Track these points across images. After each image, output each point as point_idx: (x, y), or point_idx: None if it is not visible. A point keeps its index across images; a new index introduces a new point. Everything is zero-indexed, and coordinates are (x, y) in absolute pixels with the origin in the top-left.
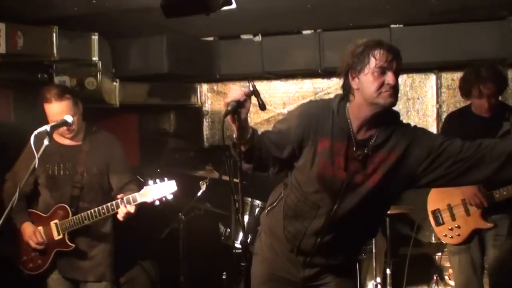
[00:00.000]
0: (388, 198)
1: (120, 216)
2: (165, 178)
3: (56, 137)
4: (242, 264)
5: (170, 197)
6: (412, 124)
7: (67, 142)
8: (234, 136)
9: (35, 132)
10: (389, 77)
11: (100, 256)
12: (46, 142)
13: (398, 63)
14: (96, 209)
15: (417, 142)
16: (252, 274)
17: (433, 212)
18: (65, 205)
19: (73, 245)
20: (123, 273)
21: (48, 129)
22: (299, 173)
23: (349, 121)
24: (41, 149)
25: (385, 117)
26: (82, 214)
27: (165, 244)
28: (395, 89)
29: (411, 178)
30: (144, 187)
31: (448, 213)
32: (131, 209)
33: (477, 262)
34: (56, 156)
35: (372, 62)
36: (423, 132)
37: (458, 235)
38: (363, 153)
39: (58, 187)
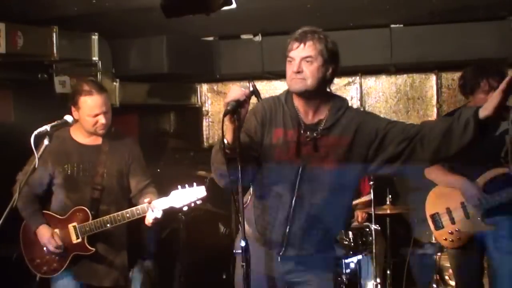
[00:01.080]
0: (348, 183)
1: (149, 221)
2: (194, 183)
3: (75, 135)
4: (242, 264)
5: (199, 202)
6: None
7: (86, 141)
8: (226, 140)
9: (35, 132)
10: (292, 65)
11: (117, 261)
12: (46, 142)
13: (310, 50)
14: (119, 213)
15: (365, 125)
16: (236, 274)
17: (432, 216)
18: (85, 208)
19: (93, 249)
20: None
21: (48, 129)
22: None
23: (296, 108)
24: (41, 149)
25: (335, 103)
26: (105, 218)
27: (165, 244)
28: (301, 75)
29: (365, 161)
30: (172, 192)
31: (447, 217)
32: (159, 214)
33: (477, 263)
34: (75, 156)
35: (288, 52)
36: (371, 115)
37: (459, 238)
38: (312, 136)
39: (77, 188)
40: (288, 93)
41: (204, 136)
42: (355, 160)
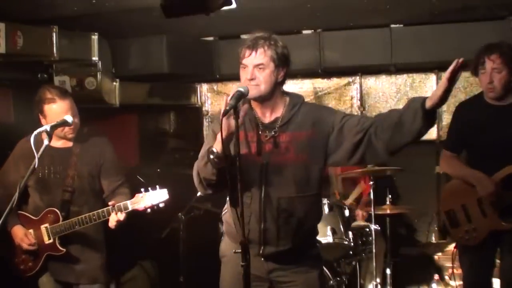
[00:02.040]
0: (311, 175)
1: (111, 224)
2: (157, 186)
3: (45, 138)
4: (242, 264)
5: (161, 205)
6: None
7: (58, 144)
8: (214, 149)
9: (35, 132)
10: (246, 72)
11: (92, 259)
12: (46, 142)
13: (262, 57)
14: (87, 215)
15: (322, 118)
16: (221, 277)
17: (447, 212)
18: (56, 210)
19: (64, 250)
20: (123, 273)
21: (48, 129)
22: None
23: (254, 110)
24: (41, 149)
25: (290, 100)
26: (73, 219)
27: (165, 244)
28: (254, 81)
29: (324, 153)
30: (136, 194)
31: (463, 214)
32: (121, 217)
33: (490, 262)
34: (46, 159)
35: (241, 59)
36: (327, 109)
37: (475, 237)
38: (270, 134)
39: (49, 190)
40: (246, 97)
41: (204, 136)
42: (315, 153)
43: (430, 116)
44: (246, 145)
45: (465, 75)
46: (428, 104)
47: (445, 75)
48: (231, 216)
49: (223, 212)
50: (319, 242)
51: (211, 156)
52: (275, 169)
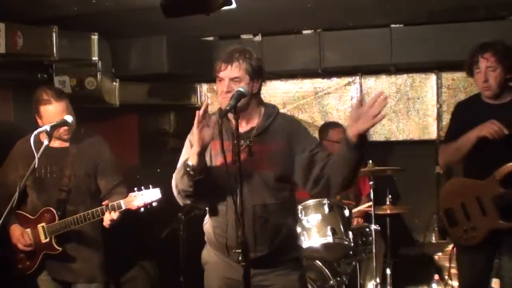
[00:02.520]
0: (283, 183)
1: (105, 223)
2: (150, 186)
3: (44, 139)
4: (242, 264)
5: (154, 204)
6: (412, 124)
7: (55, 144)
8: (189, 162)
9: (35, 132)
10: (222, 85)
11: (90, 258)
12: (45, 142)
13: (237, 71)
14: (81, 214)
15: (297, 136)
16: (206, 283)
17: (446, 211)
18: (52, 209)
19: (60, 249)
20: (123, 273)
21: (48, 129)
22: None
23: (230, 121)
24: (41, 149)
25: (266, 110)
26: (68, 219)
27: (165, 244)
28: (231, 94)
29: (292, 167)
30: (129, 194)
31: (462, 212)
32: (115, 215)
33: (488, 263)
34: (43, 159)
35: (217, 72)
36: (303, 129)
37: (473, 236)
38: (246, 143)
39: (45, 189)
40: (221, 109)
41: None
42: (286, 164)
43: (359, 143)
44: (221, 154)
45: (464, 75)
46: (350, 138)
47: (354, 106)
48: (211, 225)
49: (204, 222)
50: (300, 246)
51: (187, 169)
52: (249, 178)
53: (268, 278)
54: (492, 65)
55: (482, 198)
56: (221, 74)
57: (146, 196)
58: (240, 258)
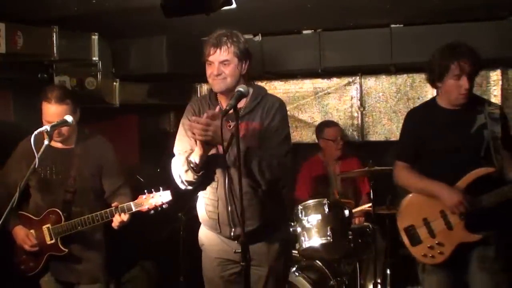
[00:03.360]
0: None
1: (115, 225)
2: (161, 188)
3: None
4: (242, 264)
5: (165, 206)
6: None
7: (59, 145)
8: (193, 159)
9: (35, 132)
10: (212, 68)
11: (93, 259)
12: (46, 142)
13: (226, 54)
14: (90, 216)
15: (271, 113)
16: (203, 265)
17: (406, 229)
18: (57, 210)
19: (66, 250)
20: (123, 273)
21: (49, 129)
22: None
23: (219, 102)
24: (41, 149)
25: (254, 91)
26: (76, 220)
27: (165, 244)
28: (221, 76)
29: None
30: (140, 196)
31: (426, 229)
32: (125, 217)
33: (460, 281)
34: (48, 160)
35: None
36: (279, 107)
37: (441, 253)
38: (233, 123)
39: (50, 190)
40: (211, 91)
41: None
42: (266, 142)
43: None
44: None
45: None
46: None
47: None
48: (203, 203)
49: (197, 201)
50: (292, 228)
51: (191, 165)
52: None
53: (257, 260)
54: (470, 71)
55: (446, 211)
56: (211, 58)
57: (157, 198)
58: (231, 234)
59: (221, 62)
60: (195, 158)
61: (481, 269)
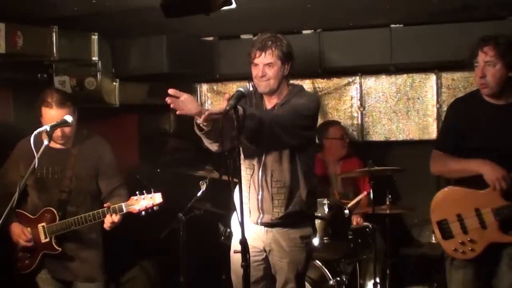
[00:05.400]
0: (294, 151)
1: (106, 225)
2: (152, 190)
3: (45, 138)
4: (242, 264)
5: (156, 208)
6: (412, 124)
7: (57, 145)
8: (198, 121)
9: (35, 132)
10: (257, 69)
11: (89, 258)
12: (45, 142)
13: (270, 57)
14: (82, 216)
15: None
16: (231, 253)
17: (439, 223)
18: (52, 209)
19: (60, 249)
20: (123, 273)
21: (48, 129)
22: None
23: (262, 97)
24: (41, 149)
25: (292, 89)
26: (69, 219)
27: (165, 244)
28: (265, 77)
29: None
30: (131, 197)
31: (459, 225)
32: (116, 218)
33: (485, 280)
34: (45, 159)
35: (252, 59)
36: (306, 97)
37: (472, 250)
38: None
39: (47, 190)
40: (256, 89)
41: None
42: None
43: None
44: None
45: (464, 75)
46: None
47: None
48: (237, 190)
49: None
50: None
51: (197, 122)
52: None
53: (280, 251)
54: (491, 60)
55: (482, 209)
56: (256, 61)
57: (148, 200)
58: (259, 220)
59: (266, 65)
60: (197, 119)
61: (510, 267)
